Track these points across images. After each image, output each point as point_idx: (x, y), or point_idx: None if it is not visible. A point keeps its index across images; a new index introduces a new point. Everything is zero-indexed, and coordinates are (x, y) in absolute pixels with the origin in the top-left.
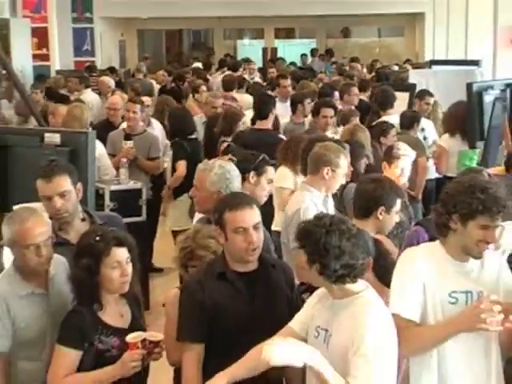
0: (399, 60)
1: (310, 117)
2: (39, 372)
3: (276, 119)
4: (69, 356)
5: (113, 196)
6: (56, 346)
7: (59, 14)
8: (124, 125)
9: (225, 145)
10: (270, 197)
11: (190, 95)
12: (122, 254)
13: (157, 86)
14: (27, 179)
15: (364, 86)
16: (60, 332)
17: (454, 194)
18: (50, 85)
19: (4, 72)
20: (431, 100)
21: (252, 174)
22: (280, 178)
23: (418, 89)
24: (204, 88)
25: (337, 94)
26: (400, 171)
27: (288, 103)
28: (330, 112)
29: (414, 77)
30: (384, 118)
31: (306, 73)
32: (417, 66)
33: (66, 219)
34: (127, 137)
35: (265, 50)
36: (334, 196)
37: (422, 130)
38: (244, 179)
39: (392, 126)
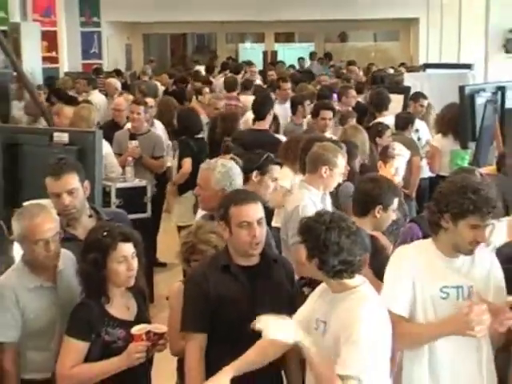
0: (394, 63)
1: (308, 117)
2: (48, 362)
3: (276, 120)
4: (77, 347)
5: (119, 193)
6: (64, 337)
7: (68, 19)
8: (129, 125)
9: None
10: None
11: (194, 97)
12: (127, 249)
13: (161, 88)
14: (37, 177)
15: (360, 89)
16: (68, 324)
17: (446, 194)
18: (59, 86)
19: (15, 74)
20: (425, 102)
21: (255, 173)
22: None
23: (412, 91)
24: (207, 90)
25: (335, 95)
26: (395, 170)
27: (286, 105)
28: (329, 114)
29: (409, 80)
30: (379, 120)
31: (305, 76)
32: (411, 70)
33: (74, 215)
34: (132, 136)
35: (265, 54)
36: (331, 194)
37: (416, 130)
38: (248, 178)
39: (387, 126)
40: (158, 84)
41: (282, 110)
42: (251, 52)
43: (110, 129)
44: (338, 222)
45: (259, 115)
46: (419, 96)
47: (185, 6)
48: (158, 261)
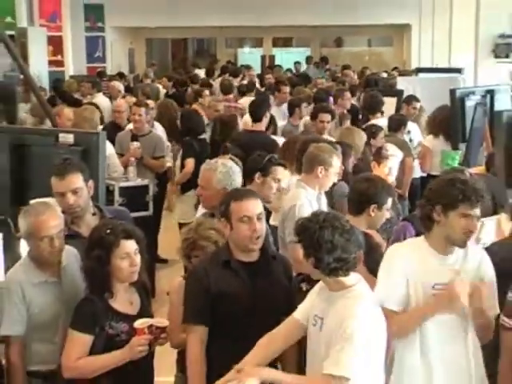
0: (388, 67)
1: (304, 119)
2: (52, 354)
3: (274, 120)
4: (82, 340)
5: (122, 192)
6: (70, 330)
7: (73, 24)
8: (131, 126)
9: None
10: None
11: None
12: (130, 245)
13: (163, 91)
14: (43, 176)
15: (353, 91)
16: (73, 318)
17: (436, 188)
18: (65, 89)
19: (22, 77)
20: (418, 105)
21: (258, 174)
22: None
23: (405, 94)
24: (207, 92)
25: (331, 98)
26: (388, 170)
27: (283, 107)
28: (328, 117)
29: (402, 83)
30: (373, 122)
31: (302, 79)
32: (404, 73)
33: (78, 214)
34: (134, 137)
35: (263, 58)
36: (325, 193)
37: (409, 132)
38: (252, 180)
39: (381, 128)
40: (160, 87)
41: (279, 112)
42: (250, 56)
43: (111, 130)
44: (332, 221)
45: (255, 117)
46: (412, 99)
47: (186, 11)
48: (160, 257)
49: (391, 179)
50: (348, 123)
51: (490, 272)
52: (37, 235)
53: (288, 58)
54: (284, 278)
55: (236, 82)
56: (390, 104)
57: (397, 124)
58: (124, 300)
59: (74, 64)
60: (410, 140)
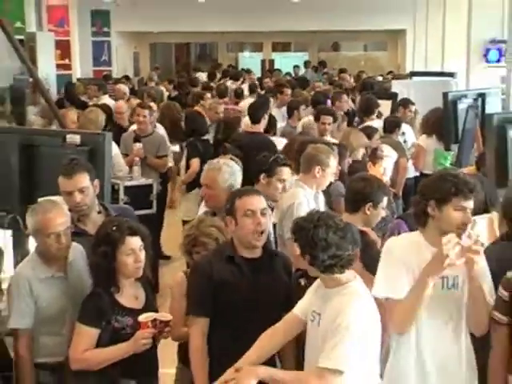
0: (383, 71)
1: (302, 120)
2: (59, 346)
3: (274, 120)
4: (88, 333)
5: (126, 191)
6: (77, 324)
7: (80, 29)
8: (134, 127)
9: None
10: None
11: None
12: (135, 242)
13: (166, 93)
14: (50, 175)
15: (349, 94)
16: (80, 312)
17: (429, 184)
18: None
19: (31, 80)
20: (413, 108)
21: (263, 175)
22: None
23: (399, 97)
24: (208, 95)
25: (329, 101)
26: (383, 170)
27: (283, 109)
28: (329, 119)
29: (396, 86)
30: (368, 123)
31: (300, 82)
32: (398, 77)
33: (85, 212)
34: (137, 138)
35: (263, 62)
36: (322, 192)
37: (403, 133)
38: (258, 180)
39: (376, 130)
40: (164, 89)
41: (279, 114)
42: (250, 60)
43: (113, 130)
44: (326, 219)
45: (254, 119)
46: (408, 102)
47: (188, 17)
48: (163, 254)
49: (386, 179)
50: (345, 125)
51: (483, 266)
52: (44, 232)
53: (287, 62)
54: (284, 275)
55: (236, 85)
56: (385, 106)
57: (391, 126)
58: (129, 295)
59: (80, 67)
60: (404, 141)
